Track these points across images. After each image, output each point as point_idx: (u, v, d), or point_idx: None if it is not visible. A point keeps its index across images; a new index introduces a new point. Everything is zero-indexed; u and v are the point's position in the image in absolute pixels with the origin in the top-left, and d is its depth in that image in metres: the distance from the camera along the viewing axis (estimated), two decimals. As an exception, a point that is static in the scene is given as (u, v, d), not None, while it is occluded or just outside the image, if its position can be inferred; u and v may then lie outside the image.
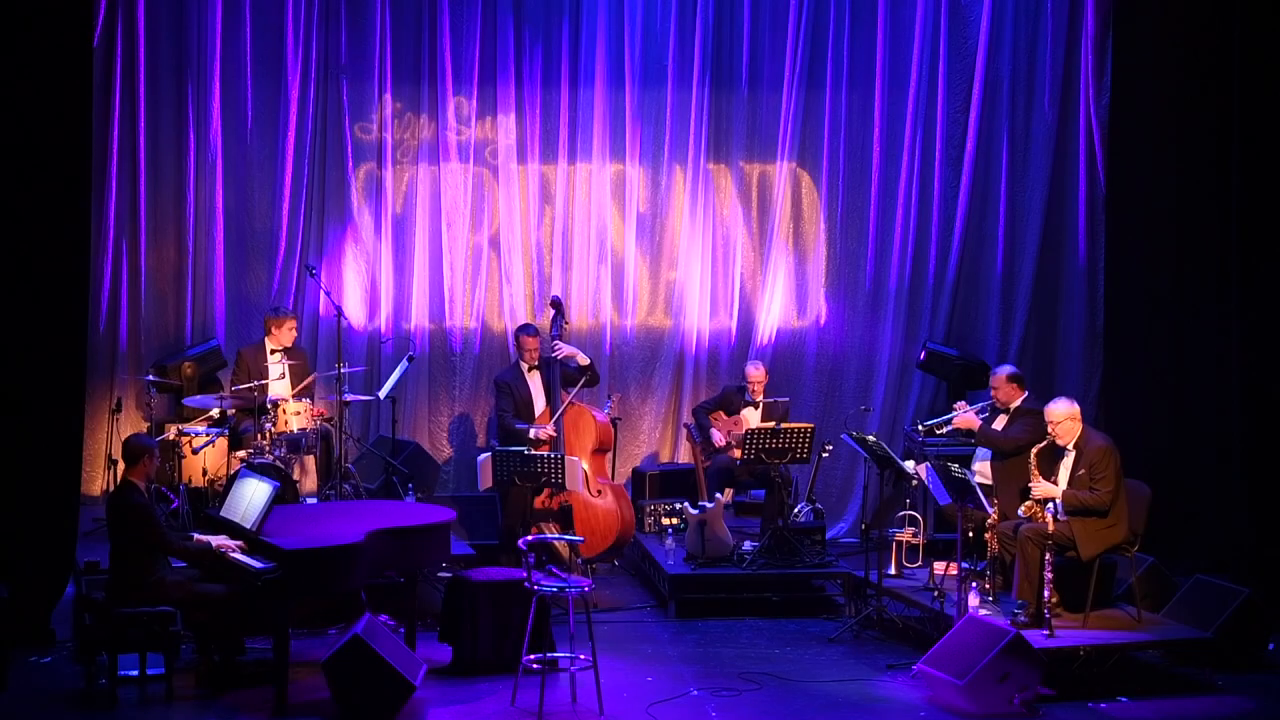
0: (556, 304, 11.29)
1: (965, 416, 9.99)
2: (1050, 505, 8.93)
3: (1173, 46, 11.61)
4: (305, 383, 11.18)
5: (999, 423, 10.03)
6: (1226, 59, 11.06)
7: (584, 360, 11.29)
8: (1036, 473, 9.06)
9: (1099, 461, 8.93)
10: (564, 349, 11.18)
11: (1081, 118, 12.53)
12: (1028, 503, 9.04)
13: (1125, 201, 12.13)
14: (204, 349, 11.78)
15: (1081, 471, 9.01)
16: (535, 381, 11.27)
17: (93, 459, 11.57)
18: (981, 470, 10.07)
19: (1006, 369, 10.24)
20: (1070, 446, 9.10)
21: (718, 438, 11.35)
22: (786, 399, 11.77)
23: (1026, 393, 10.06)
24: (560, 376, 11.18)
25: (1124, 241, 12.12)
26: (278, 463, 10.49)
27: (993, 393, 10.10)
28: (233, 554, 8.34)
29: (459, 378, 12.43)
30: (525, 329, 11.48)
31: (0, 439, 9.25)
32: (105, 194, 11.75)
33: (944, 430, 10.19)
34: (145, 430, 11.19)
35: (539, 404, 11.21)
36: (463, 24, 12.30)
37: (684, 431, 12.18)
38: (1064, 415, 9.11)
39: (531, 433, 10.92)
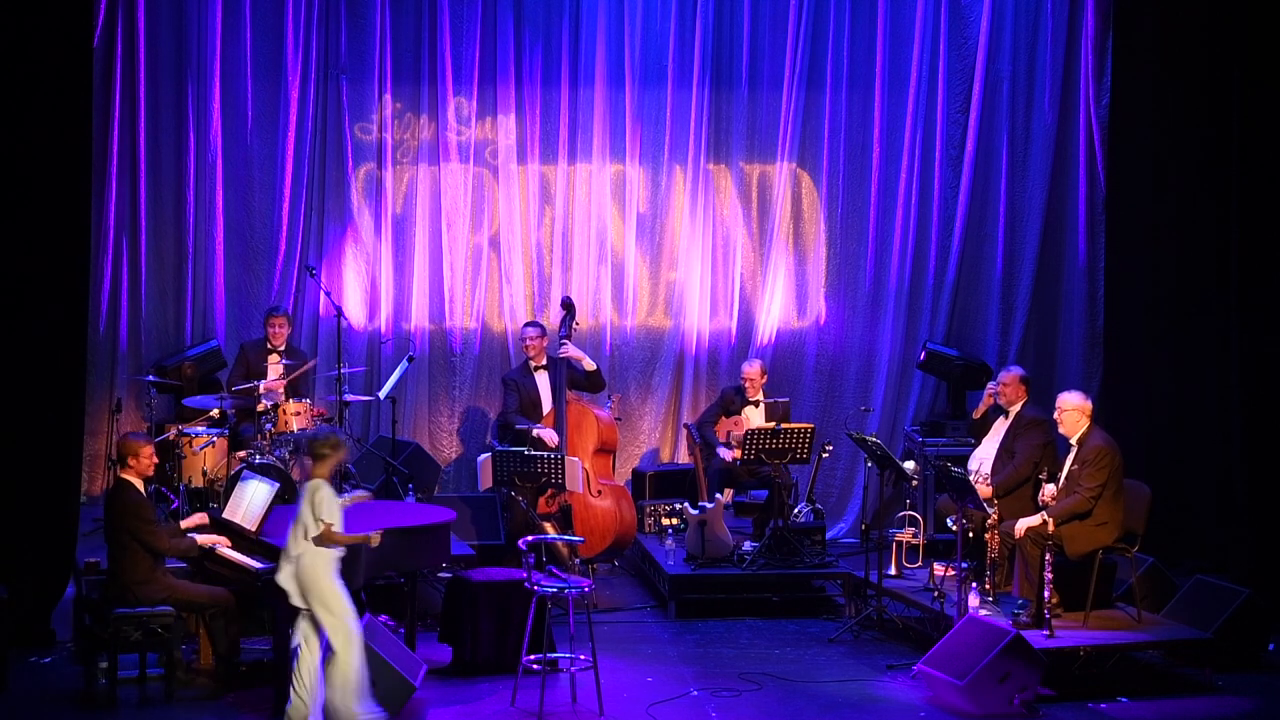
0: (568, 305, 11.27)
1: (983, 489, 9.65)
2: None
3: (1173, 46, 11.62)
4: (298, 373, 11.14)
5: (999, 424, 10.04)
6: (1227, 58, 11.06)
7: (590, 366, 11.29)
8: (1047, 497, 9.03)
9: (1091, 459, 8.94)
10: (570, 350, 11.17)
11: (1081, 118, 12.54)
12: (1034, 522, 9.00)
13: (1125, 201, 12.14)
14: (204, 349, 11.77)
15: (1075, 468, 9.03)
16: (543, 381, 11.26)
17: (93, 459, 11.57)
18: (983, 465, 10.06)
19: (1020, 370, 10.18)
20: (1074, 441, 9.12)
21: (726, 454, 11.24)
22: (786, 399, 11.76)
23: (1027, 397, 10.05)
24: (567, 378, 11.16)
25: (1124, 241, 12.12)
26: (278, 463, 10.49)
27: (1000, 388, 10.05)
28: (222, 550, 8.37)
29: (459, 378, 12.43)
30: (527, 325, 11.50)
31: (0, 439, 9.25)
32: (105, 194, 11.75)
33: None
34: (146, 430, 11.18)
35: (546, 404, 11.20)
36: (463, 24, 12.30)
37: (684, 432, 12.17)
38: (1072, 406, 9.13)
39: (535, 431, 10.91)
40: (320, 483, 7.55)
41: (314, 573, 7.50)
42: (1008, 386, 10.00)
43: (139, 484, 8.46)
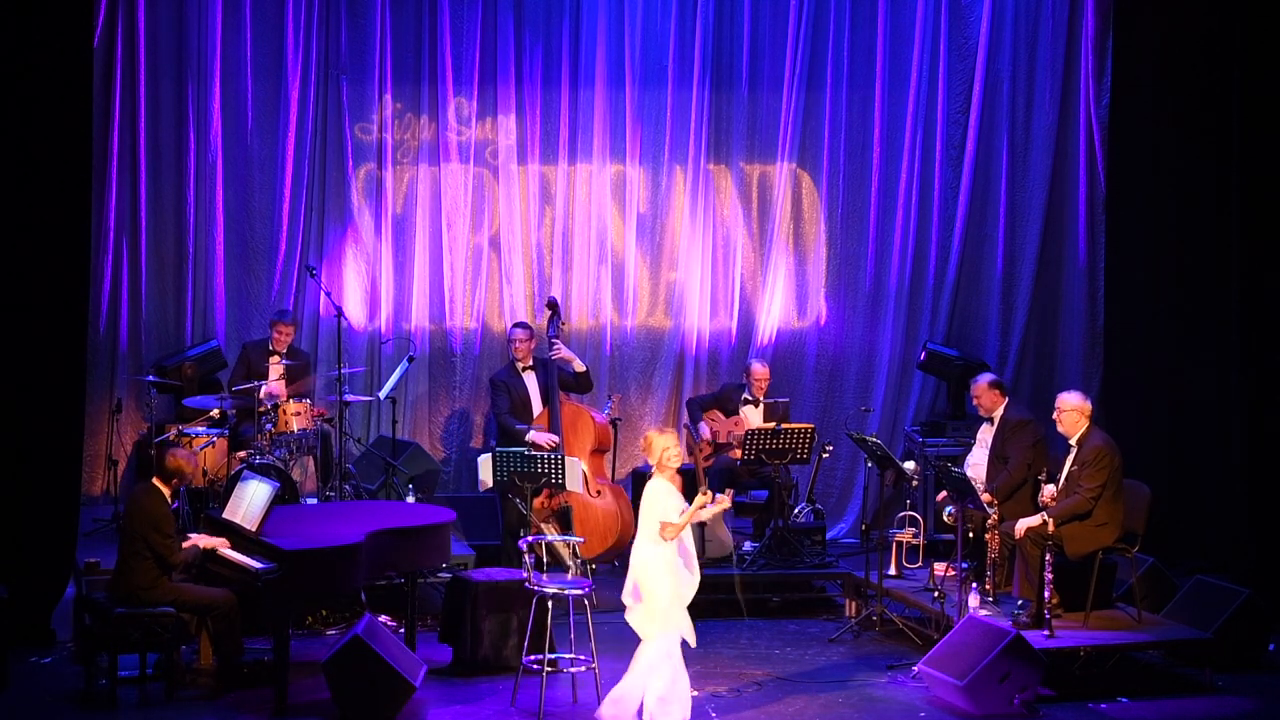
0: (553, 305, 11.30)
1: (986, 494, 9.67)
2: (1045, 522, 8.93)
3: (1173, 46, 11.62)
4: (301, 384, 11.16)
5: (985, 432, 10.03)
6: (1227, 58, 11.06)
7: (580, 367, 11.30)
8: (1047, 498, 9.02)
9: (1091, 460, 8.94)
10: (561, 351, 11.18)
11: (1081, 118, 12.54)
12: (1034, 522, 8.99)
13: (1125, 201, 12.14)
14: (204, 349, 11.77)
15: (1074, 468, 9.03)
16: (532, 382, 11.27)
17: (93, 459, 11.56)
18: (978, 473, 10.06)
19: (987, 377, 10.20)
20: (1073, 442, 9.12)
21: (705, 430, 11.29)
22: (786, 399, 11.77)
23: (1007, 399, 10.04)
24: (558, 379, 11.17)
25: (1124, 241, 12.13)
26: (278, 463, 10.49)
27: (975, 400, 10.09)
28: (223, 550, 8.38)
29: (459, 378, 12.43)
30: (516, 326, 11.51)
31: (0, 439, 9.25)
32: (105, 194, 11.74)
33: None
34: (145, 430, 11.20)
35: (536, 405, 11.20)
36: (463, 24, 12.30)
37: (684, 432, 12.17)
38: (1072, 406, 9.12)
39: (529, 435, 10.91)
40: (654, 481, 7.73)
41: (649, 570, 7.66)
42: (981, 397, 10.01)
43: (167, 494, 8.46)
